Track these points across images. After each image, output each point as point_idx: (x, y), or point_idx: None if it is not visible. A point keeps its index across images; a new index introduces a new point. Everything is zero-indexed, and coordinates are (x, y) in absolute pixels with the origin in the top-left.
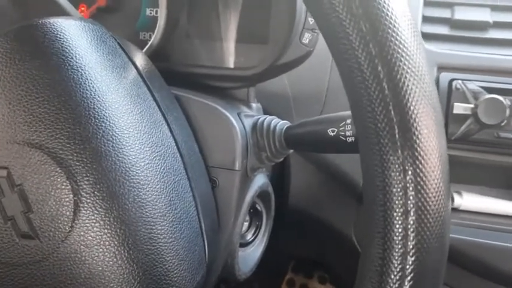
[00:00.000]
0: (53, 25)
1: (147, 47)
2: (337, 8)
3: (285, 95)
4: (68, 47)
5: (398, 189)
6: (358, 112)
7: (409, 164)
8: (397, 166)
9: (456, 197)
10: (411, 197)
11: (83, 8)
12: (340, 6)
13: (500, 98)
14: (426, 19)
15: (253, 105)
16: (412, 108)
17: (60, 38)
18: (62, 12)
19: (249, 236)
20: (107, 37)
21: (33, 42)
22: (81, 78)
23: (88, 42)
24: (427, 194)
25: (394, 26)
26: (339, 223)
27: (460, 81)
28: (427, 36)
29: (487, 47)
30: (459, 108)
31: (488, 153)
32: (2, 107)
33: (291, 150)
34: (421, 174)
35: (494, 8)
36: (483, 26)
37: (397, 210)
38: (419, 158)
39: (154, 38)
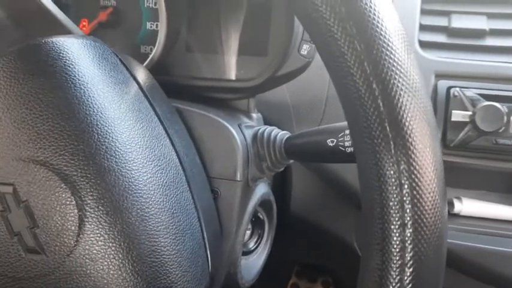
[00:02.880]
0: (56, 44)
1: (148, 60)
2: (331, 28)
3: (285, 104)
4: (71, 65)
5: (395, 203)
6: (354, 127)
7: (405, 178)
8: (393, 180)
9: (456, 202)
10: (408, 210)
11: (84, 23)
12: (335, 26)
13: (498, 105)
14: (423, 27)
15: (254, 115)
16: (407, 124)
17: (62, 56)
18: (63, 30)
19: (252, 245)
20: (108, 53)
21: (37, 61)
22: (84, 96)
23: (90, 59)
24: (423, 207)
25: (388, 44)
26: (340, 229)
27: (457, 89)
28: (424, 45)
29: (484, 55)
30: (457, 115)
31: (487, 160)
32: (7, 125)
33: (291, 160)
34: (417, 188)
35: (491, 16)
36: (480, 33)
37: (395, 223)
38: (415, 172)
39: (155, 51)
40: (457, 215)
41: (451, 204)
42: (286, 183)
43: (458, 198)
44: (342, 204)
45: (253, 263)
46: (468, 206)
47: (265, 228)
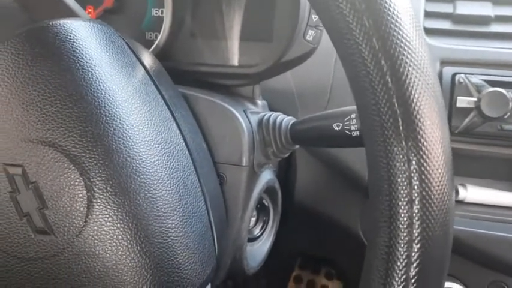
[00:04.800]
0: (63, 26)
1: (153, 46)
2: (340, 3)
3: (289, 91)
4: (78, 48)
5: (403, 179)
6: (362, 105)
7: (413, 155)
8: (401, 156)
9: (461, 189)
10: (416, 187)
11: (90, 10)
12: (343, 2)
13: (503, 91)
14: (428, 14)
15: (259, 102)
16: (415, 100)
17: (70, 38)
18: (70, 14)
19: (257, 231)
20: (115, 37)
21: (44, 43)
22: (92, 78)
23: (97, 42)
24: (431, 183)
25: (397, 21)
26: (344, 218)
27: (463, 75)
28: (429, 31)
29: (489, 41)
30: (462, 101)
31: (492, 146)
32: (16, 107)
33: (297, 146)
34: (425, 164)
35: (496, 2)
36: (485, 20)
37: (402, 199)
38: (423, 148)
39: (161, 37)
40: (462, 202)
41: (456, 191)
42: (290, 171)
43: (463, 185)
44: (347, 192)
45: (258, 250)
46: (473, 192)
47: (270, 215)
